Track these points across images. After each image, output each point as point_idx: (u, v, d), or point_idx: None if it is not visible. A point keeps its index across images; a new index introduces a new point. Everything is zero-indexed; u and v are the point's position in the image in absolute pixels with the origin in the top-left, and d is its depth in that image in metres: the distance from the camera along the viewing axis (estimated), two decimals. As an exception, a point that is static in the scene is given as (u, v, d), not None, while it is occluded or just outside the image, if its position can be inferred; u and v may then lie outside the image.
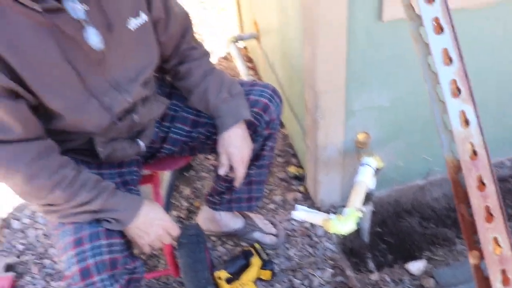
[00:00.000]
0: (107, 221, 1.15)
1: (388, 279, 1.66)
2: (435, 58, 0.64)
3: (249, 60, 2.74)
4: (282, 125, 2.24)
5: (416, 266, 1.65)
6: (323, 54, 1.41)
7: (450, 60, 0.64)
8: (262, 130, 1.45)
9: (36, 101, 1.08)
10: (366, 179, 1.54)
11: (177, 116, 1.47)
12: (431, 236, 1.90)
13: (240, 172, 1.41)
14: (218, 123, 1.38)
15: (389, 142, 1.75)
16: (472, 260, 0.68)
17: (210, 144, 1.51)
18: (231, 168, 1.43)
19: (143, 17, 1.19)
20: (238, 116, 1.36)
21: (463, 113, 0.64)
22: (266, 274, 1.69)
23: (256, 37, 2.39)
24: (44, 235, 1.96)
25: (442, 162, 1.92)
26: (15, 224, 2.01)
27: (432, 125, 1.75)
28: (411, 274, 1.65)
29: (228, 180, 1.62)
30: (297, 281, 1.72)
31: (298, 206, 1.51)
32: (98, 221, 1.14)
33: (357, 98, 1.57)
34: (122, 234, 1.20)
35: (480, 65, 1.64)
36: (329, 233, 1.83)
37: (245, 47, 2.82)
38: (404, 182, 1.94)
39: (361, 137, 1.69)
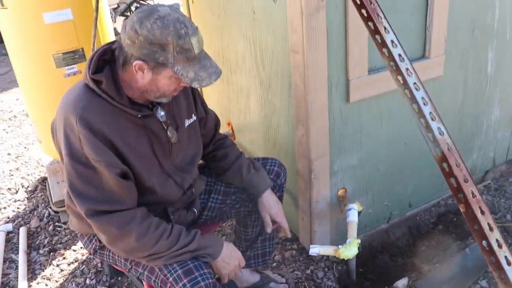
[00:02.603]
0: (203, 257, 1.52)
1: (383, 297, 2.12)
2: (420, 103, 1.22)
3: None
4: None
5: (402, 283, 2.13)
6: (313, 130, 1.97)
7: (426, 103, 1.23)
8: (276, 192, 1.94)
9: (135, 182, 1.51)
10: (355, 218, 2.06)
11: (212, 189, 1.92)
12: (402, 266, 2.41)
13: (285, 224, 1.86)
14: (253, 191, 1.83)
15: (361, 194, 2.30)
16: (462, 209, 1.21)
17: (237, 208, 1.96)
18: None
19: (193, 118, 1.71)
20: (267, 183, 1.84)
21: (439, 128, 1.21)
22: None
23: (230, 135, 2.95)
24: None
25: (399, 207, 2.55)
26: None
27: (390, 177, 2.35)
28: (399, 291, 2.13)
29: (247, 239, 2.06)
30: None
31: (312, 245, 1.98)
32: (195, 258, 1.51)
33: (337, 161, 2.13)
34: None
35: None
36: (328, 272, 2.28)
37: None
38: (373, 227, 2.47)
39: (341, 192, 2.23)
